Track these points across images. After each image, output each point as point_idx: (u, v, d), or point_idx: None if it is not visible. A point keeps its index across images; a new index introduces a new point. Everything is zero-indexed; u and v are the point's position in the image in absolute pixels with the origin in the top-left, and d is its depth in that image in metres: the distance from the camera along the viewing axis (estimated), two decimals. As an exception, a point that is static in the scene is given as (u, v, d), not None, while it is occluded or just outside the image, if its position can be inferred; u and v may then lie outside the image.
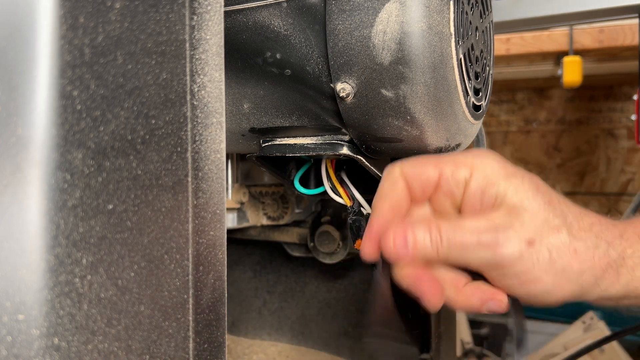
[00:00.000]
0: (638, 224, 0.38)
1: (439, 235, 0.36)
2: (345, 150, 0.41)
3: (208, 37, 0.25)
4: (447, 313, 0.62)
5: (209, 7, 0.25)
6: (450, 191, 0.38)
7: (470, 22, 0.40)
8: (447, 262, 0.38)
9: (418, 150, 0.40)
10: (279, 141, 0.43)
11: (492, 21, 0.47)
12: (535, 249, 0.35)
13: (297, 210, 0.68)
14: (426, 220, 0.38)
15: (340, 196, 0.47)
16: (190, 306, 0.24)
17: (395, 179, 0.39)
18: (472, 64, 0.40)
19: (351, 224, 0.46)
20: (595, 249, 0.36)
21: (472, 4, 0.41)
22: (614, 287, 0.36)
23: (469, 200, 0.38)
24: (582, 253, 0.36)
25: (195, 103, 0.24)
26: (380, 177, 0.44)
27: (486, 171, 0.37)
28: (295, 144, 0.43)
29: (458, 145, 0.41)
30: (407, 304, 0.40)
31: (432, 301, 0.37)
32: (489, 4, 0.46)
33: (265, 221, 0.67)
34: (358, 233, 0.46)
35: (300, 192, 0.49)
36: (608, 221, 0.38)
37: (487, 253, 0.35)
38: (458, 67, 0.37)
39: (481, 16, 0.43)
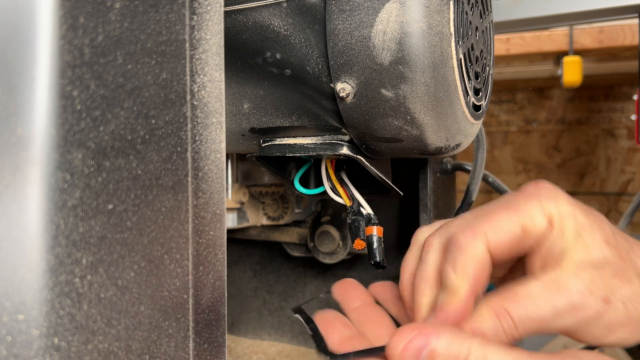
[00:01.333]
0: None
1: (509, 318, 0.31)
2: (345, 150, 0.41)
3: (208, 37, 0.25)
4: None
5: (209, 7, 0.25)
6: (523, 250, 0.33)
7: (470, 22, 0.40)
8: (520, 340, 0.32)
9: (418, 150, 0.40)
10: (279, 141, 0.43)
11: (492, 21, 0.47)
12: (612, 305, 0.31)
13: (297, 210, 0.68)
14: (491, 302, 0.31)
15: (340, 196, 0.47)
16: (190, 306, 0.24)
17: (479, 251, 0.31)
18: (472, 64, 0.40)
19: (350, 223, 0.46)
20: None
21: (472, 4, 0.41)
22: None
23: (546, 261, 0.32)
24: None
25: (195, 103, 0.24)
26: (380, 177, 0.44)
27: (571, 222, 0.32)
28: (295, 144, 0.43)
29: (458, 145, 0.41)
30: None
31: None
32: (489, 4, 0.46)
33: (265, 221, 0.67)
34: (357, 233, 0.46)
35: (300, 192, 0.49)
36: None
37: (567, 320, 0.31)
38: (458, 67, 0.37)
39: (481, 16, 0.43)
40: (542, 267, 0.32)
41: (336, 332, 0.37)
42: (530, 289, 0.31)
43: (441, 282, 0.32)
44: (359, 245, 0.46)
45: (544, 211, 0.32)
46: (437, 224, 0.37)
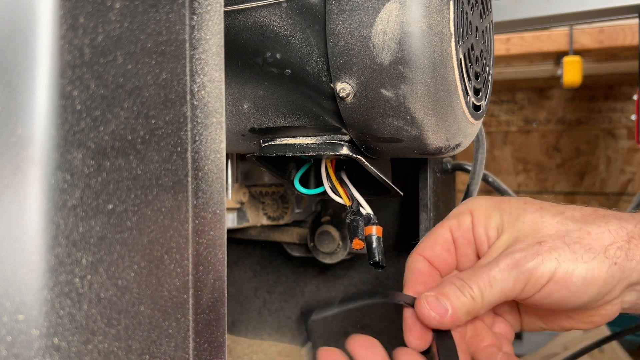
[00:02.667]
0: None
1: (464, 283, 0.37)
2: (345, 150, 0.41)
3: (208, 37, 0.25)
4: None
5: (209, 7, 0.25)
6: (466, 240, 0.41)
7: (470, 22, 0.40)
8: (489, 306, 0.38)
9: (418, 150, 0.40)
10: (279, 141, 0.43)
11: (492, 21, 0.47)
12: (549, 245, 0.36)
13: (297, 210, 0.68)
14: (448, 278, 0.39)
15: (339, 196, 0.47)
16: (190, 306, 0.24)
17: (414, 262, 0.41)
18: (472, 64, 0.40)
19: (349, 223, 0.46)
20: (607, 224, 0.36)
21: (472, 4, 0.41)
22: None
23: (480, 241, 0.40)
24: (596, 232, 0.36)
25: (195, 103, 0.24)
26: (380, 177, 0.44)
27: (480, 209, 0.40)
28: (295, 144, 0.43)
29: (458, 145, 0.41)
30: None
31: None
32: (489, 4, 0.46)
33: (265, 221, 0.67)
34: (356, 232, 0.46)
35: (300, 192, 0.49)
36: (607, 209, 0.39)
37: (512, 272, 0.36)
38: (458, 67, 0.37)
39: (481, 16, 0.43)
40: (482, 245, 0.40)
41: None
42: (479, 262, 0.39)
43: None
44: (358, 245, 0.46)
45: (464, 209, 0.41)
46: None
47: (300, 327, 0.38)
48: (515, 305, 0.43)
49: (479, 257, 0.41)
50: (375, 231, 0.45)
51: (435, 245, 0.41)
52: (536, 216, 0.38)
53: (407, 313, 0.39)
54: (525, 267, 0.36)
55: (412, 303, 0.38)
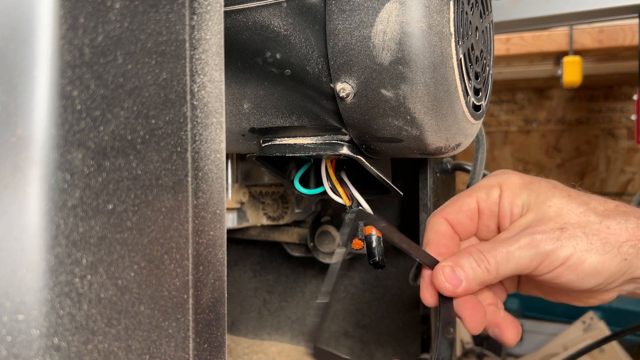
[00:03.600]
0: None
1: (482, 256, 0.39)
2: (345, 150, 0.41)
3: (208, 37, 0.25)
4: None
5: (209, 7, 0.25)
6: (491, 213, 0.42)
7: (470, 22, 0.40)
8: (501, 278, 0.40)
9: (418, 150, 0.40)
10: (279, 141, 0.43)
11: (492, 21, 0.47)
12: (570, 232, 0.38)
13: (297, 210, 0.68)
14: (466, 249, 0.40)
15: (339, 196, 0.47)
16: (190, 306, 0.24)
17: (438, 224, 0.43)
18: (472, 64, 0.40)
19: (349, 223, 0.46)
20: (626, 222, 0.38)
21: (472, 4, 0.41)
22: None
23: (504, 216, 0.41)
24: (615, 228, 0.38)
25: (195, 103, 0.24)
26: (380, 177, 0.44)
27: (510, 185, 0.41)
28: (295, 144, 0.43)
29: (458, 145, 0.41)
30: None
31: (474, 325, 0.40)
32: (489, 4, 0.46)
33: (265, 221, 0.67)
34: (355, 232, 0.46)
35: (300, 192, 0.49)
36: (629, 206, 0.41)
37: (530, 251, 0.38)
38: (458, 67, 0.37)
39: (481, 16, 0.43)
40: (512, 221, 0.41)
41: None
42: (499, 235, 0.41)
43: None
44: (357, 245, 0.46)
45: (494, 182, 0.42)
46: None
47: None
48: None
49: (499, 230, 0.42)
50: (375, 231, 0.45)
51: (460, 212, 0.42)
52: (563, 202, 0.39)
53: (426, 273, 0.42)
54: (543, 248, 0.38)
55: (431, 265, 0.41)
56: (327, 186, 0.47)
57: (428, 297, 0.42)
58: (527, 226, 0.39)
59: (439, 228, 0.43)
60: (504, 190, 0.41)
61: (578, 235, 0.38)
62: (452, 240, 0.43)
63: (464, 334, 1.43)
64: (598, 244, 0.37)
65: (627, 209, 0.40)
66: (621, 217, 0.38)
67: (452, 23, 0.36)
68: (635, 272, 0.38)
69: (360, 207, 0.46)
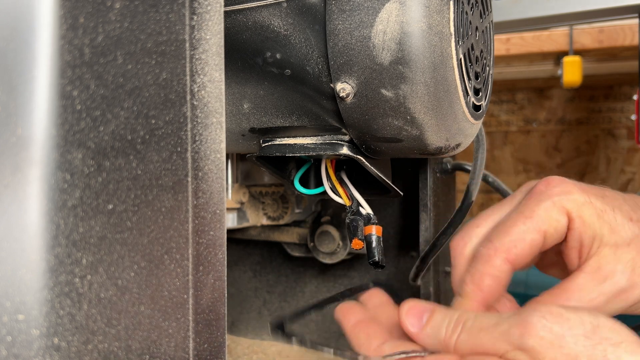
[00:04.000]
0: None
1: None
2: (345, 150, 0.41)
3: (208, 37, 0.25)
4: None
5: (209, 7, 0.25)
6: (555, 247, 0.36)
7: (470, 22, 0.40)
8: None
9: (418, 150, 0.40)
10: (279, 141, 0.43)
11: (492, 21, 0.47)
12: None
13: (297, 210, 0.68)
14: (545, 301, 0.35)
15: (339, 196, 0.47)
16: (190, 306, 0.24)
17: (500, 270, 0.35)
18: (472, 64, 0.40)
19: (349, 223, 0.46)
20: None
21: (472, 4, 0.41)
22: None
23: (571, 248, 0.35)
24: None
25: (195, 103, 0.24)
26: (380, 177, 0.44)
27: (578, 212, 0.34)
28: (295, 144, 0.43)
29: (458, 145, 0.41)
30: None
31: None
32: (489, 4, 0.46)
33: (265, 221, 0.67)
34: (355, 232, 0.46)
35: (300, 192, 0.49)
36: None
37: (619, 303, 0.34)
38: (458, 67, 0.37)
39: (481, 16, 0.43)
40: (580, 258, 0.34)
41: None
42: (578, 282, 0.33)
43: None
44: (357, 245, 0.46)
45: (559, 209, 0.34)
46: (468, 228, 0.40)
47: (277, 335, 0.38)
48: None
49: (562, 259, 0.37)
50: (374, 231, 0.45)
51: (527, 253, 0.36)
52: (633, 238, 0.35)
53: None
54: (632, 301, 0.34)
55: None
56: (327, 186, 0.47)
57: None
58: (610, 274, 0.33)
59: (500, 276, 0.35)
60: (573, 219, 0.34)
61: None
62: (504, 285, 0.36)
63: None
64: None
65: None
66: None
67: (452, 23, 0.36)
68: None
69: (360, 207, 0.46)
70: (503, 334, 0.30)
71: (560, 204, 0.35)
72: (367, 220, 0.46)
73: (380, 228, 0.46)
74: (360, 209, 0.46)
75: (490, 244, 0.35)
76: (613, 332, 0.28)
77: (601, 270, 0.33)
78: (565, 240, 0.36)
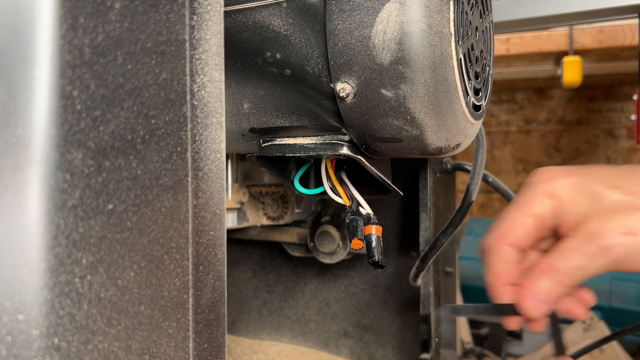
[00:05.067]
0: None
1: (556, 271, 0.39)
2: (345, 150, 0.41)
3: (208, 37, 0.25)
4: (447, 313, 0.62)
5: (209, 7, 0.25)
6: (546, 226, 0.40)
7: (470, 22, 0.40)
8: (576, 284, 0.40)
9: (418, 150, 0.40)
10: (279, 141, 0.43)
11: (492, 21, 0.47)
12: (638, 237, 0.37)
13: (297, 210, 0.68)
14: (536, 267, 0.40)
15: (339, 196, 0.47)
16: (190, 306, 0.24)
17: (506, 253, 0.41)
18: (472, 64, 0.40)
19: (349, 223, 0.46)
20: None
21: (472, 4, 0.41)
22: None
23: (561, 225, 0.40)
24: None
25: (195, 103, 0.24)
26: (380, 177, 0.44)
27: (559, 192, 0.40)
28: (295, 144, 0.43)
29: (458, 145, 0.41)
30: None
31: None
32: (489, 4, 0.46)
33: (265, 221, 0.67)
34: (355, 232, 0.46)
35: (300, 192, 0.49)
36: None
37: (603, 261, 0.37)
38: (458, 67, 0.37)
39: (481, 16, 0.43)
40: (573, 229, 0.39)
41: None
42: (566, 245, 0.38)
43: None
44: (357, 245, 0.46)
45: (547, 193, 0.40)
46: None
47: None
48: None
49: (557, 236, 0.42)
50: (374, 231, 0.45)
51: (524, 235, 0.41)
52: (618, 197, 0.39)
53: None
54: (615, 258, 0.37)
55: (513, 311, 0.40)
56: (327, 186, 0.47)
57: (515, 324, 0.42)
58: (593, 234, 0.38)
59: (509, 258, 0.41)
60: (555, 198, 0.40)
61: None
62: (518, 265, 0.41)
63: (464, 334, 1.43)
64: None
65: None
66: None
67: (452, 23, 0.36)
68: None
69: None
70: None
71: (548, 189, 0.40)
72: (367, 220, 0.46)
73: (380, 228, 0.46)
74: (360, 209, 0.46)
75: (492, 234, 0.41)
76: None
77: (586, 234, 0.38)
78: (560, 220, 0.40)
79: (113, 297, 0.21)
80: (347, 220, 0.46)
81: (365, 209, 0.46)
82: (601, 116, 2.08)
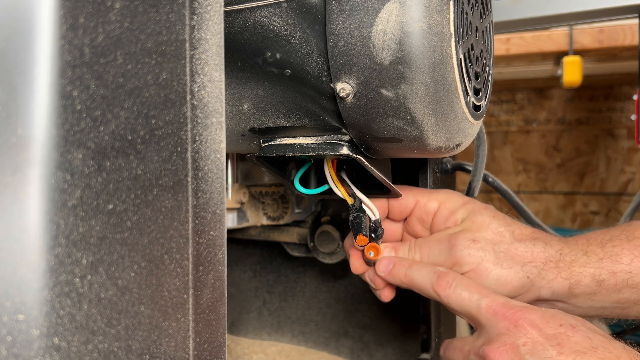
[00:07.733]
0: (582, 237, 0.46)
1: (416, 247, 0.48)
2: (345, 150, 0.41)
3: (208, 37, 0.25)
4: (447, 313, 0.62)
5: (209, 7, 0.25)
6: (421, 218, 0.49)
7: (470, 22, 0.40)
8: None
9: (418, 150, 0.40)
10: (279, 141, 0.43)
11: (492, 21, 0.47)
12: (480, 245, 0.44)
13: (297, 210, 0.68)
14: (407, 241, 0.50)
15: (342, 195, 0.47)
16: (190, 306, 0.24)
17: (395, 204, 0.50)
18: (472, 64, 0.40)
19: (352, 220, 0.46)
20: (534, 247, 0.44)
21: (472, 4, 0.41)
22: (556, 281, 0.43)
23: (436, 224, 0.49)
24: (522, 250, 0.44)
25: (195, 103, 0.24)
26: (379, 177, 0.44)
27: (449, 204, 0.48)
28: (295, 144, 0.43)
29: (458, 145, 0.41)
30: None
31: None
32: (489, 4, 0.46)
33: (265, 221, 0.67)
34: (360, 229, 0.46)
35: (301, 192, 0.49)
36: (553, 235, 0.47)
37: (445, 251, 0.45)
38: (458, 67, 0.37)
39: (481, 16, 0.43)
40: (439, 227, 0.49)
41: None
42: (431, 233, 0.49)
43: None
44: (362, 241, 0.46)
45: (435, 197, 0.49)
46: None
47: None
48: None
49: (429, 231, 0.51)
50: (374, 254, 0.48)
51: (399, 204, 0.50)
52: (486, 220, 0.46)
53: (355, 253, 0.51)
54: (454, 252, 0.45)
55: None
56: (331, 184, 0.47)
57: (358, 267, 0.50)
58: (451, 233, 0.46)
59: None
60: (441, 207, 0.48)
61: (487, 249, 0.44)
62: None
63: (464, 334, 1.43)
64: (503, 260, 0.44)
65: (539, 236, 0.45)
66: (530, 241, 0.45)
67: (452, 23, 0.36)
68: (540, 292, 0.43)
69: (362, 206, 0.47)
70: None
71: (438, 196, 0.49)
72: (375, 227, 0.48)
73: (379, 247, 0.48)
74: (362, 206, 0.47)
75: None
76: None
77: (451, 234, 0.47)
78: (433, 220, 0.49)
79: (113, 297, 0.21)
80: (351, 218, 0.46)
81: (370, 207, 0.47)
82: (601, 116, 2.07)
